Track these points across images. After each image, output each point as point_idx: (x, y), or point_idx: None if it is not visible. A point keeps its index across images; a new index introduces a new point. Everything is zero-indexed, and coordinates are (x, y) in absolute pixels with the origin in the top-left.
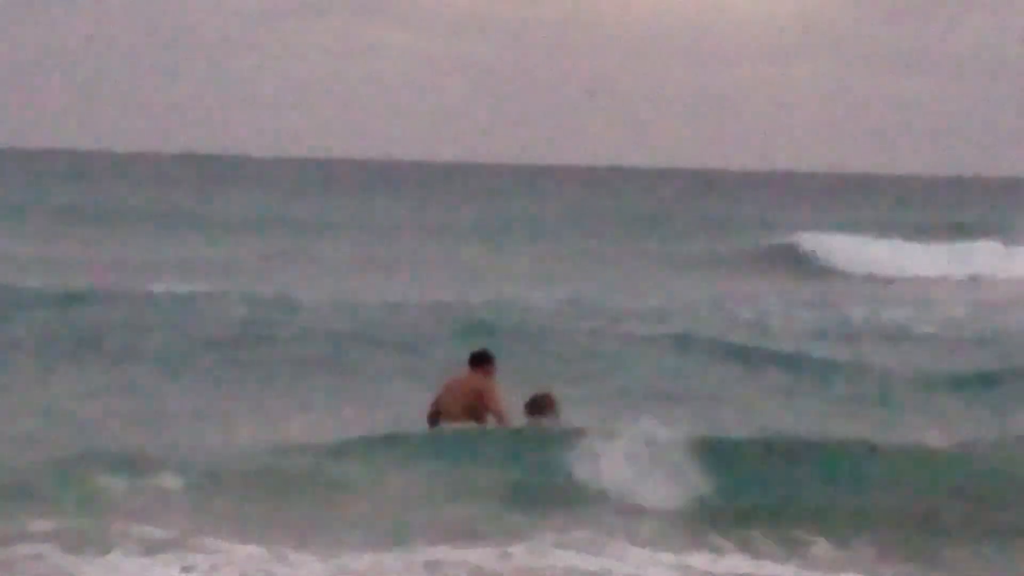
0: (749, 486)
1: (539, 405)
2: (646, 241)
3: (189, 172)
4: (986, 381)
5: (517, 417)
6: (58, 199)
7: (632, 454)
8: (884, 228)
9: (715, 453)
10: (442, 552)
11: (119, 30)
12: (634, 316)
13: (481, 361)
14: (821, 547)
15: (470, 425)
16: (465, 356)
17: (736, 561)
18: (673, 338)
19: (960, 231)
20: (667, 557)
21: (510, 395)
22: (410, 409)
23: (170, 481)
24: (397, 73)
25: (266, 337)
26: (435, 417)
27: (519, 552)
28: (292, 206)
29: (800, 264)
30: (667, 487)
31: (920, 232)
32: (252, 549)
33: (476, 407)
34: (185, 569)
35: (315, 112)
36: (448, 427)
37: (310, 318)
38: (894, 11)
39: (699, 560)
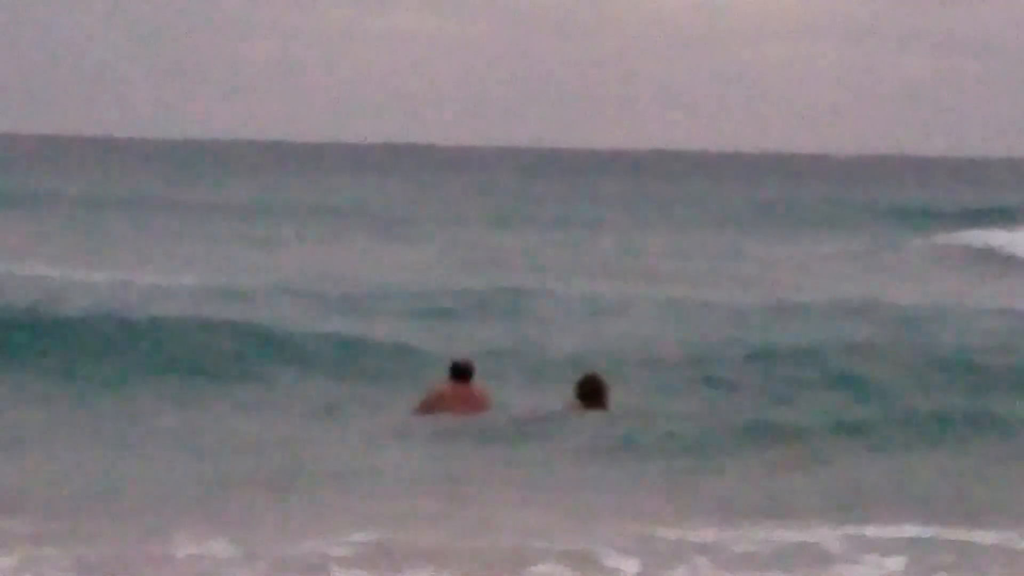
0: None
1: (591, 390)
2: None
3: (194, 158)
4: None
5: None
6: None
7: None
8: None
9: None
10: None
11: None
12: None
13: (468, 374)
14: None
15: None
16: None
17: None
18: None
19: None
20: None
21: None
22: None
23: None
24: (408, 57)
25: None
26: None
27: None
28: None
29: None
30: None
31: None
32: None
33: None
34: None
35: (323, 96)
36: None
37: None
38: None
39: None
